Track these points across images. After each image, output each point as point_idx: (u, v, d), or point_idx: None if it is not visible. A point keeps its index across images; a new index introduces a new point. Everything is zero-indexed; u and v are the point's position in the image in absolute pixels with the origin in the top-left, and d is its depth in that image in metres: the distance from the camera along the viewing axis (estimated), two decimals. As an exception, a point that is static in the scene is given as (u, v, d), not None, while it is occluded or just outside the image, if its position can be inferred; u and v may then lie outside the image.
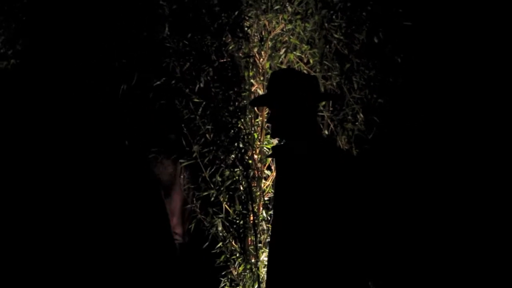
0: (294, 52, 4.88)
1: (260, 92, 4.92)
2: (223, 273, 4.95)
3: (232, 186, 4.89)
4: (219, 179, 4.92)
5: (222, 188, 4.90)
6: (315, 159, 3.09)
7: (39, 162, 5.97)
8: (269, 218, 4.93)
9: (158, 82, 4.89)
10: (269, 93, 3.25)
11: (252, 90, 4.94)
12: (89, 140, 5.92)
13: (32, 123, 5.90)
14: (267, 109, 4.81)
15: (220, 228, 4.91)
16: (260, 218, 4.93)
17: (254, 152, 4.93)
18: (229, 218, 4.93)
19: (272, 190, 4.90)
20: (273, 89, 3.25)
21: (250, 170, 4.88)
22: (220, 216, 4.91)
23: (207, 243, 5.00)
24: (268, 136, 4.94)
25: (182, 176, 5.69)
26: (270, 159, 4.92)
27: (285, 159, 3.17)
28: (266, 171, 4.98)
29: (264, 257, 4.86)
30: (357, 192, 3.04)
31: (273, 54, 4.89)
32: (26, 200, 5.95)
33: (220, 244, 4.93)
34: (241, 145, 4.87)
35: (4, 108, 5.91)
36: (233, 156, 4.88)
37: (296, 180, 3.08)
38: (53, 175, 5.95)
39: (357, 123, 4.89)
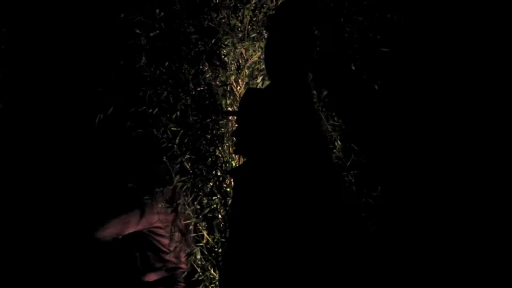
0: (271, 80, 4.87)
1: None
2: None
3: (210, 215, 4.88)
4: (198, 207, 4.91)
5: (200, 216, 4.89)
6: (271, 183, 3.06)
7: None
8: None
9: (137, 110, 4.88)
10: (240, 108, 3.20)
11: (230, 118, 4.93)
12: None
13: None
14: None
15: (198, 256, 4.89)
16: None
17: (232, 180, 4.91)
18: (208, 246, 4.91)
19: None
20: (244, 104, 3.20)
21: (228, 198, 4.86)
22: (200, 244, 4.89)
23: (185, 273, 4.99)
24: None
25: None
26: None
27: (241, 181, 3.13)
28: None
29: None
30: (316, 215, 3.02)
31: (250, 82, 4.89)
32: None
33: (199, 272, 4.91)
34: (219, 173, 4.86)
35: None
36: (211, 184, 4.87)
37: (250, 205, 3.05)
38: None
39: (335, 151, 4.88)
